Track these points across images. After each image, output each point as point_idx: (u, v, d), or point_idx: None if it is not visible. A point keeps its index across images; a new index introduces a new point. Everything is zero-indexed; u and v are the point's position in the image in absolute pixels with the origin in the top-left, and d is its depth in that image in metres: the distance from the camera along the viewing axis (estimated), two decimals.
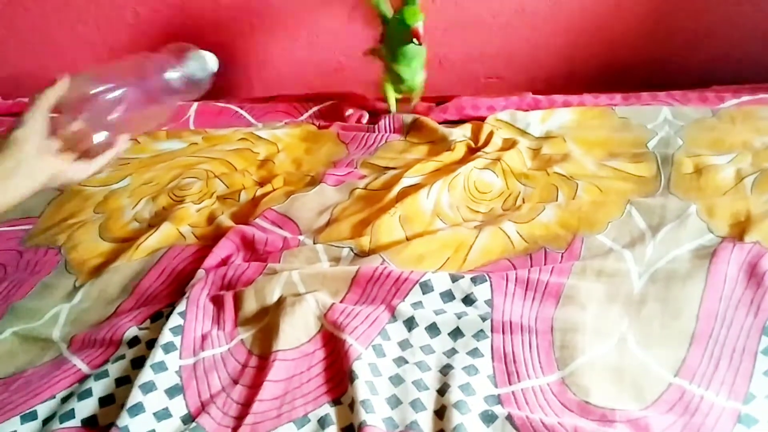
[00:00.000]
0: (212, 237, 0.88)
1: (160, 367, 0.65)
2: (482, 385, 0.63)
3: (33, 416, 0.64)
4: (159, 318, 0.74)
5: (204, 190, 1.00)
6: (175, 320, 0.70)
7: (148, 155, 1.12)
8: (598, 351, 0.65)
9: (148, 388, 0.63)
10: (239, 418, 0.61)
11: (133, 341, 0.71)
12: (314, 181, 0.97)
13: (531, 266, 0.77)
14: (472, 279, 0.72)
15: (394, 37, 1.06)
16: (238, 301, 0.74)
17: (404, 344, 0.68)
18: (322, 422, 0.60)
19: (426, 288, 0.72)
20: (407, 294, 0.72)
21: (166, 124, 1.15)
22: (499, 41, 1.31)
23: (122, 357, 0.69)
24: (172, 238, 0.89)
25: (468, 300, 0.71)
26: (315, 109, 1.25)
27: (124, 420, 0.60)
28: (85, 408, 0.63)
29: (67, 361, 0.71)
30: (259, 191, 0.97)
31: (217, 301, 0.75)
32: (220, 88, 1.40)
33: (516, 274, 0.73)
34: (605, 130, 1.04)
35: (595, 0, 1.25)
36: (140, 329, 0.72)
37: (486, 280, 0.72)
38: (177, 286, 0.80)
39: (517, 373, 0.64)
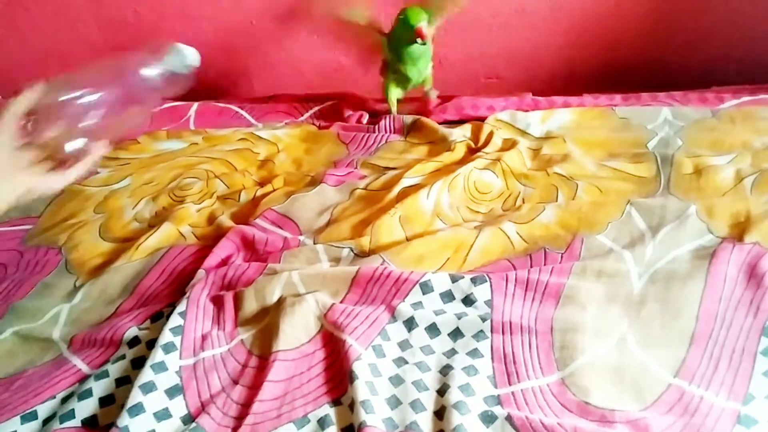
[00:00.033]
0: (212, 237, 0.88)
1: (160, 367, 0.65)
2: (482, 385, 0.63)
3: (33, 416, 0.64)
4: (159, 318, 0.74)
5: (204, 190, 1.00)
6: (175, 320, 0.70)
7: (149, 155, 1.12)
8: (597, 351, 0.65)
9: (148, 388, 0.63)
10: (239, 419, 0.61)
11: (134, 341, 0.71)
12: (314, 182, 0.97)
13: (531, 267, 0.77)
14: (472, 279, 0.72)
15: (398, 37, 1.06)
16: (239, 302, 0.74)
17: (404, 345, 0.68)
18: (322, 423, 0.60)
19: (426, 288, 0.72)
20: (407, 294, 0.72)
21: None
22: (499, 41, 1.31)
23: (122, 357, 0.69)
24: (172, 238, 0.89)
25: (468, 300, 0.71)
26: (315, 109, 1.25)
27: (124, 420, 0.60)
28: (86, 408, 0.63)
29: (67, 361, 0.71)
30: (260, 191, 0.97)
31: (218, 302, 0.75)
32: (220, 88, 1.41)
33: (516, 274, 0.73)
34: (605, 131, 1.04)
35: (595, 0, 1.25)
36: (140, 329, 0.72)
37: (486, 281, 0.72)
38: (177, 286, 0.81)
39: (517, 373, 0.64)
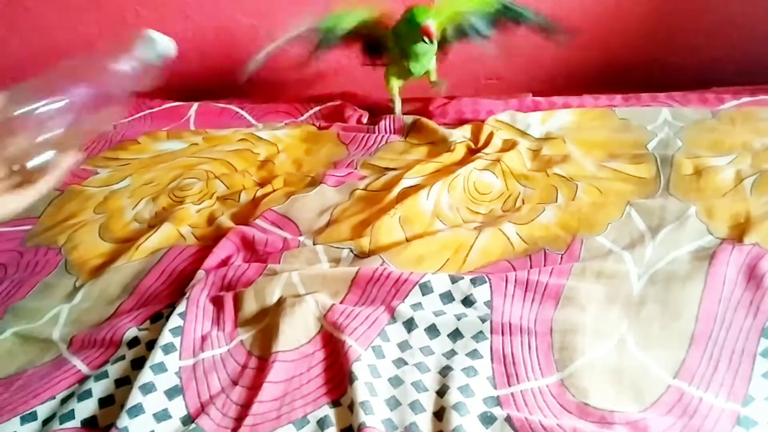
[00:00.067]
0: (212, 238, 0.88)
1: (160, 368, 0.65)
2: (481, 386, 0.63)
3: (33, 417, 0.64)
4: (159, 319, 0.74)
5: (204, 191, 1.00)
6: (174, 321, 0.70)
7: (149, 156, 1.12)
8: (597, 352, 0.65)
9: (148, 389, 0.63)
10: (239, 420, 0.61)
11: (133, 342, 0.71)
12: (314, 182, 0.97)
13: (530, 267, 0.77)
14: (471, 280, 0.72)
15: (404, 35, 1.05)
16: (238, 302, 0.74)
17: (404, 345, 0.68)
18: (322, 423, 0.60)
19: (425, 289, 0.72)
20: (407, 295, 0.72)
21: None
22: (499, 41, 1.31)
23: (122, 358, 0.69)
24: (172, 238, 0.89)
25: (467, 301, 0.71)
26: (315, 109, 1.25)
27: (123, 421, 0.60)
28: (85, 409, 0.63)
29: (67, 362, 0.71)
30: (260, 192, 0.98)
31: (217, 302, 0.75)
32: (220, 88, 1.41)
33: (515, 275, 0.73)
34: (605, 132, 1.04)
35: (595, 0, 1.25)
36: (140, 330, 0.72)
37: (485, 282, 0.72)
38: (177, 287, 0.81)
39: (516, 374, 0.64)
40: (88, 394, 0.65)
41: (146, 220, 0.95)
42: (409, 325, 0.70)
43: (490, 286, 0.72)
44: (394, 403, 0.61)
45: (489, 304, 0.70)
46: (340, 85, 1.34)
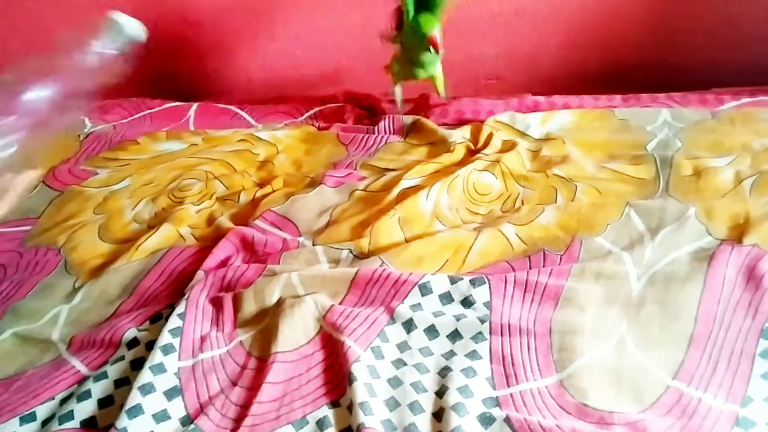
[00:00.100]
0: (212, 238, 0.88)
1: (159, 368, 0.65)
2: (480, 387, 0.63)
3: (32, 417, 0.64)
4: (158, 319, 0.74)
5: (204, 192, 1.00)
6: (174, 322, 0.70)
7: (148, 156, 1.12)
8: (596, 353, 0.65)
9: (147, 389, 0.63)
10: (238, 420, 0.61)
11: (132, 342, 0.71)
12: (314, 183, 0.97)
13: (530, 268, 0.77)
14: (470, 281, 0.72)
15: (410, 43, 1.04)
16: (238, 303, 0.74)
17: (403, 346, 0.68)
18: (321, 424, 0.60)
19: (425, 290, 0.72)
20: (406, 296, 0.72)
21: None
22: (499, 42, 1.31)
23: (121, 358, 0.69)
24: (171, 239, 0.89)
25: (467, 302, 0.71)
26: (315, 110, 1.25)
27: (122, 421, 0.60)
28: (84, 409, 0.64)
29: (66, 363, 0.71)
30: (259, 192, 0.97)
31: (217, 303, 0.75)
32: (220, 89, 1.41)
33: (515, 276, 0.73)
34: (605, 132, 1.04)
35: (595, 1, 1.25)
36: (139, 330, 0.72)
37: (485, 282, 0.72)
38: (176, 288, 0.81)
39: (516, 375, 0.64)
40: (87, 394, 0.65)
41: (146, 221, 0.95)
42: (409, 325, 0.70)
43: (490, 287, 0.72)
44: (393, 404, 0.62)
45: (488, 304, 0.70)
46: (340, 85, 1.34)
